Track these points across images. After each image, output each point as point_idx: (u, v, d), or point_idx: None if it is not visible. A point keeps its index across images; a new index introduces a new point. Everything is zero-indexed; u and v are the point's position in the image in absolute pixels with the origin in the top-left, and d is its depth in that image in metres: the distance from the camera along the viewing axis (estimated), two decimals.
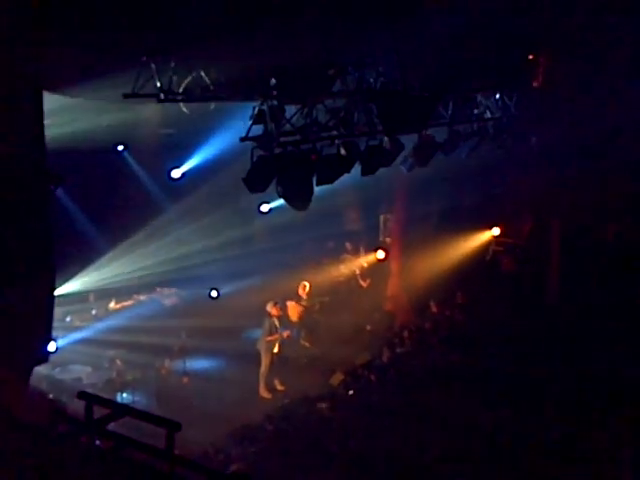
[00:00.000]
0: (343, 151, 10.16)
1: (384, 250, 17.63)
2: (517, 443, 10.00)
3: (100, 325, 15.02)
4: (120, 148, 15.94)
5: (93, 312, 15.41)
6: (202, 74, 8.47)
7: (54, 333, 11.17)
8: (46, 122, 7.78)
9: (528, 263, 16.68)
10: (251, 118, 8.98)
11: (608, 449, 9.57)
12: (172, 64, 8.12)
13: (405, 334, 14.75)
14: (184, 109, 9.14)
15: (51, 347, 10.64)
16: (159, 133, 15.64)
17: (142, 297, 16.70)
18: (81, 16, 6.71)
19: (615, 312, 13.36)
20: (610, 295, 13.98)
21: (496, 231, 17.26)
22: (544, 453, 9.80)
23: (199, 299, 16.72)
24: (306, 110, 9.52)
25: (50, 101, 8.36)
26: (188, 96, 8.51)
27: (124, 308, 16.05)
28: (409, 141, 11.58)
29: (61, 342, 13.10)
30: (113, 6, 6.79)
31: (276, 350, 13.88)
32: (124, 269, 15.93)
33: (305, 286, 16.21)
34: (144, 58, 7.86)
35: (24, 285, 7.51)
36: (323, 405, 11.85)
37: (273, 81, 8.89)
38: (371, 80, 10.27)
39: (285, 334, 14.15)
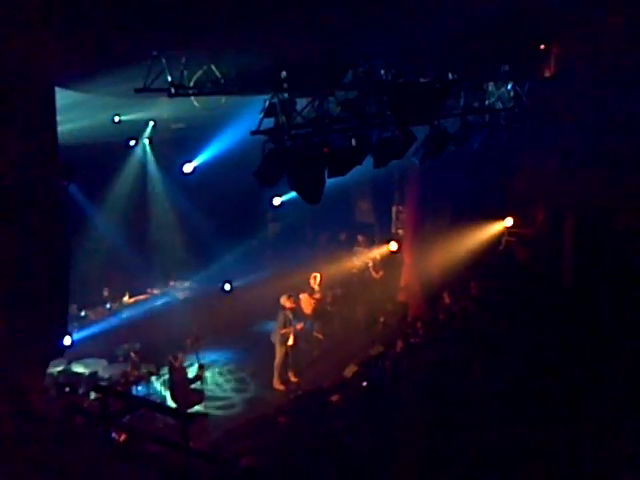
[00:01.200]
0: (355, 143, 10.14)
1: (397, 242, 17.62)
2: (531, 437, 9.96)
3: (114, 319, 15.15)
4: (132, 143, 16.00)
5: (107, 306, 15.52)
6: (213, 68, 8.48)
7: (69, 327, 11.29)
8: (58, 118, 7.83)
9: (541, 254, 16.60)
10: (262, 111, 8.98)
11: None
12: (183, 58, 8.14)
13: (418, 325, 14.73)
14: (195, 103, 9.17)
15: (66, 341, 10.74)
16: (171, 128, 15.70)
17: (156, 291, 16.80)
18: (91, 11, 6.74)
19: (630, 302, 13.28)
20: (625, 286, 13.89)
21: (509, 222, 17.19)
22: (558, 450, 9.74)
23: (212, 292, 16.80)
24: (317, 102, 9.51)
25: (62, 97, 8.42)
26: (199, 90, 8.53)
27: (138, 302, 16.15)
28: (421, 132, 11.54)
29: (76, 336, 13.21)
30: (124, 1, 6.82)
31: (290, 342, 13.93)
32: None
33: (316, 277, 16.24)
34: (155, 53, 7.88)
35: (39, 280, 7.57)
36: (336, 397, 11.86)
37: (284, 74, 8.88)
38: (382, 72, 10.24)
39: (298, 326, 14.19)
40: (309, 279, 16.25)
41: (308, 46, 8.84)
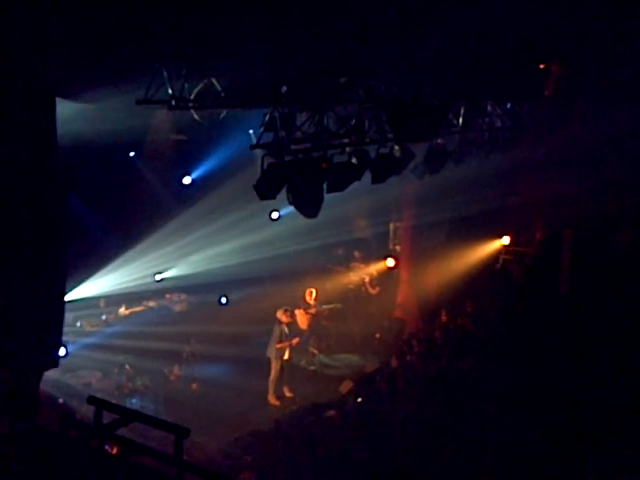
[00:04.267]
0: (354, 159, 10.17)
1: (394, 258, 17.62)
2: (527, 453, 9.93)
3: (110, 331, 15.09)
4: (132, 154, 16.02)
5: (103, 318, 15.47)
6: (213, 81, 8.52)
7: (64, 338, 11.22)
8: (58, 128, 7.83)
9: (538, 272, 16.60)
10: (262, 125, 9.01)
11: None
12: (184, 71, 8.18)
13: (414, 342, 14.71)
14: (195, 116, 9.21)
15: (61, 352, 10.69)
16: (171, 139, 15.72)
17: (152, 303, 16.74)
18: (93, 23, 6.77)
19: (629, 323, 13.26)
20: (623, 306, 13.88)
21: (506, 240, 17.21)
22: (556, 463, 9.72)
23: (208, 305, 16.76)
24: (317, 118, 9.54)
25: (63, 107, 8.42)
26: (199, 103, 8.56)
27: (134, 314, 16.10)
28: (420, 149, 11.58)
29: (71, 347, 13.16)
30: (125, 13, 6.85)
31: (286, 357, 13.88)
32: (134, 274, 15.99)
33: (312, 292, 16.20)
34: (156, 64, 7.91)
35: (35, 290, 7.54)
36: (331, 412, 11.83)
37: (284, 88, 8.93)
38: (382, 88, 10.29)
39: (294, 341, 14.14)
40: (305, 294, 16.21)
41: (309, 61, 8.88)
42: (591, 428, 10.32)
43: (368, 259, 18.70)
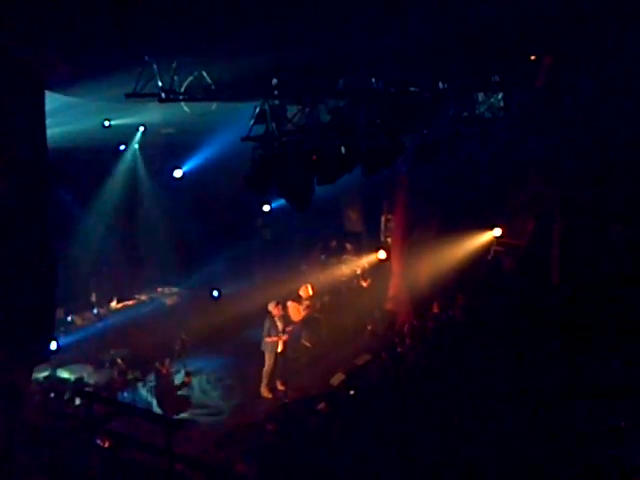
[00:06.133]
0: (344, 151, 10.15)
1: (385, 250, 17.62)
2: (520, 444, 9.97)
3: (101, 324, 15.07)
4: (122, 147, 15.97)
5: (94, 311, 15.44)
6: (204, 74, 8.49)
7: (55, 332, 11.22)
8: (47, 121, 7.80)
9: (529, 264, 16.66)
10: (252, 118, 8.99)
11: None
12: (174, 64, 8.15)
13: (406, 334, 14.74)
14: (186, 109, 9.18)
15: (52, 346, 10.68)
16: (161, 133, 15.68)
17: (143, 297, 16.73)
18: (83, 15, 6.74)
19: (618, 313, 13.34)
20: (613, 296, 13.96)
21: (497, 232, 17.24)
22: (550, 454, 9.76)
23: (200, 299, 16.74)
24: (307, 110, 9.52)
25: (52, 100, 8.39)
26: (190, 96, 8.54)
27: (125, 307, 16.08)
28: (411, 141, 11.57)
29: (62, 341, 13.14)
30: (115, 6, 6.82)
31: (280, 350, 13.86)
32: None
33: (307, 288, 16.12)
34: (146, 58, 7.88)
35: (25, 285, 7.52)
36: (324, 405, 11.84)
37: (275, 81, 8.91)
38: (372, 80, 10.27)
39: (288, 329, 14.10)
40: (299, 289, 16.10)
41: (299, 53, 8.85)
42: (582, 417, 10.40)
43: (360, 251, 18.72)
